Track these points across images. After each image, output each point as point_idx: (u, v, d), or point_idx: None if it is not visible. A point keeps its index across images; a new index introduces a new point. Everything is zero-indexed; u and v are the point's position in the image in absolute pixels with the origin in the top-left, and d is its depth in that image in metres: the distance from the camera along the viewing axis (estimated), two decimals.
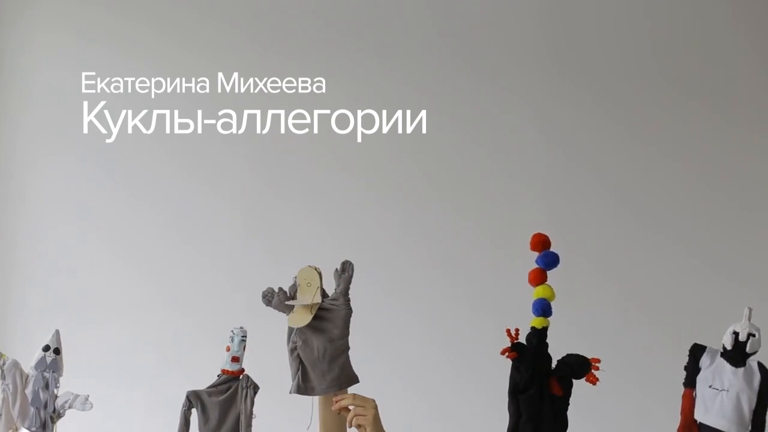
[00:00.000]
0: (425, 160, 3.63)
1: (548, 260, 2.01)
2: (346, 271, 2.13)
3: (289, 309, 2.09)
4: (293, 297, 2.09)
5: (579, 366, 1.98)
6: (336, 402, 2.05)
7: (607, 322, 3.46)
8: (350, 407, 2.04)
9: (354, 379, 2.12)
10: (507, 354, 1.98)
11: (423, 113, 3.62)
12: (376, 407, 2.03)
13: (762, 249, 3.51)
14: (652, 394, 3.38)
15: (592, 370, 1.98)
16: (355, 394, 2.06)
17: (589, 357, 1.99)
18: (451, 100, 3.63)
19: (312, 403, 2.13)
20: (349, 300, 2.12)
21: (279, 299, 2.09)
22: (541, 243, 2.02)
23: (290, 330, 2.11)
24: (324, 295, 2.11)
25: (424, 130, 3.62)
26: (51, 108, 3.73)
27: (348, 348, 2.12)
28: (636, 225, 3.55)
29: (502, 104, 3.61)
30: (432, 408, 3.52)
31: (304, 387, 2.09)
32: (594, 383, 1.97)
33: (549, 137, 3.59)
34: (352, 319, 2.12)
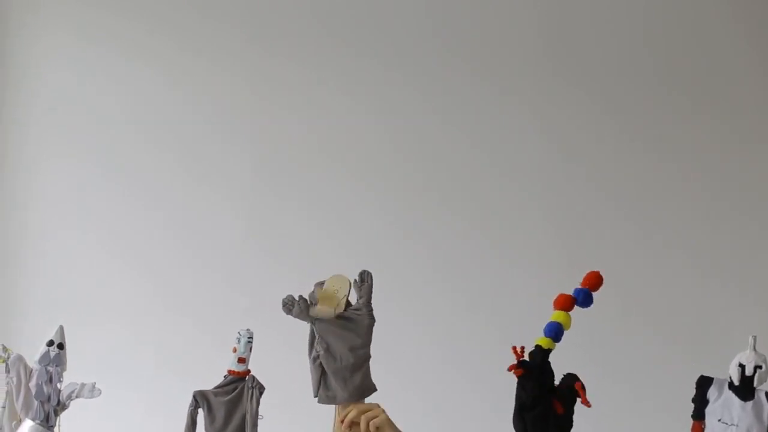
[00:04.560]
0: (426, 163, 3.63)
1: (588, 301, 1.99)
2: (365, 281, 2.13)
3: (310, 317, 2.09)
4: (314, 304, 2.09)
5: (570, 390, 1.98)
6: (343, 420, 2.05)
7: (609, 328, 3.43)
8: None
9: (372, 389, 2.12)
10: (514, 371, 1.96)
11: (424, 116, 3.62)
12: (382, 408, 2.04)
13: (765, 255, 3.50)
14: (653, 401, 3.38)
15: (580, 399, 1.97)
16: (357, 405, 2.06)
17: (575, 382, 1.98)
18: (452, 103, 3.62)
19: (335, 413, 2.13)
20: (371, 310, 2.12)
21: (299, 308, 2.07)
22: (593, 282, 1.99)
23: (312, 337, 2.11)
24: (348, 305, 2.12)
25: (424, 133, 3.62)
26: (55, 110, 3.73)
27: (369, 357, 2.12)
28: (637, 229, 3.54)
29: (503, 107, 3.60)
30: (435, 414, 3.51)
31: (325, 396, 2.09)
32: (588, 406, 1.95)
33: (551, 142, 3.58)
34: None
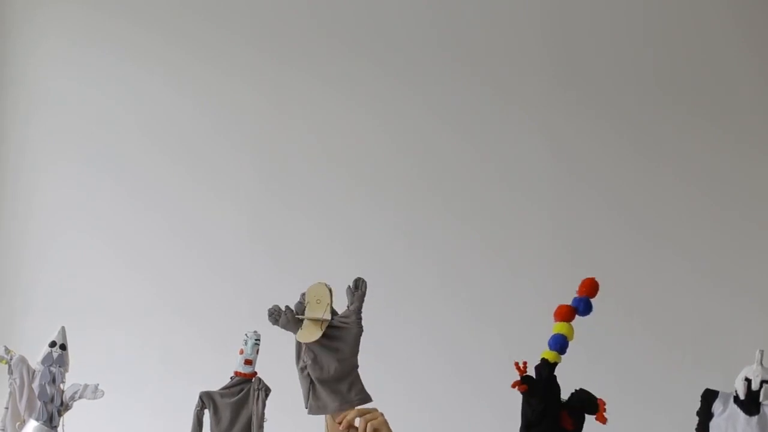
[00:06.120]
0: (431, 171, 3.62)
1: (588, 309, 1.96)
2: (359, 288, 2.09)
3: (297, 327, 2.06)
4: (301, 314, 2.06)
5: (589, 404, 1.94)
6: (341, 421, 2.04)
7: (612, 338, 3.42)
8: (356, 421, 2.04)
9: (367, 398, 2.09)
10: (518, 387, 1.92)
11: (428, 124, 3.62)
12: (381, 412, 2.04)
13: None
14: (657, 414, 3.37)
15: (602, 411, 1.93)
16: (357, 408, 2.04)
17: (597, 396, 1.95)
18: (457, 111, 3.62)
19: (325, 422, 2.11)
20: (360, 318, 2.08)
21: (286, 318, 2.05)
22: (590, 288, 1.96)
23: (298, 348, 2.08)
24: (334, 313, 2.08)
25: (429, 141, 3.62)
26: (58, 114, 3.73)
27: (357, 366, 2.09)
28: (641, 238, 3.52)
29: (508, 116, 3.60)
30: (437, 422, 3.48)
31: (315, 406, 2.07)
32: (603, 423, 1.92)
33: (555, 150, 3.58)
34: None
